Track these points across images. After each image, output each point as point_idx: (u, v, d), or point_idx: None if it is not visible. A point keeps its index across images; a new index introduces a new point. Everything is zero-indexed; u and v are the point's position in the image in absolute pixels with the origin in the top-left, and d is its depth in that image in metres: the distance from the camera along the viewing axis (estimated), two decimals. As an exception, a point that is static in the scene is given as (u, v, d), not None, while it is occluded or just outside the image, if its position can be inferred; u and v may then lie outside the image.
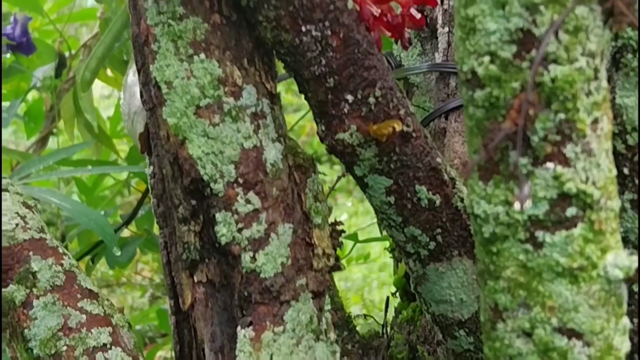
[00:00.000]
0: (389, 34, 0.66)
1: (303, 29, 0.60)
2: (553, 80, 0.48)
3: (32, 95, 1.81)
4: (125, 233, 1.42)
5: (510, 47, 0.49)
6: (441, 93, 1.06)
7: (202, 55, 0.60)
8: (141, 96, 0.65)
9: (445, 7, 1.05)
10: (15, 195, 0.86)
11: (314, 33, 0.60)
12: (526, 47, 0.49)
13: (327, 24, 0.60)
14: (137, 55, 0.64)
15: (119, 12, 1.32)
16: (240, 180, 0.60)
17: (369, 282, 3.00)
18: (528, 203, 0.47)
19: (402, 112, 0.63)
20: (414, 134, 0.64)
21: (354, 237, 1.34)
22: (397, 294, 1.04)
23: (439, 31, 1.09)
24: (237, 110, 0.61)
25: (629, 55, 0.61)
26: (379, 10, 0.63)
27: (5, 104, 1.71)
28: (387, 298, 1.04)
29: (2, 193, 0.85)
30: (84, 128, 1.42)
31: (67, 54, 1.64)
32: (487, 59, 0.50)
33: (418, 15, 0.67)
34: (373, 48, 0.62)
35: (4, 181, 0.87)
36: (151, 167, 0.67)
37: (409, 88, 1.19)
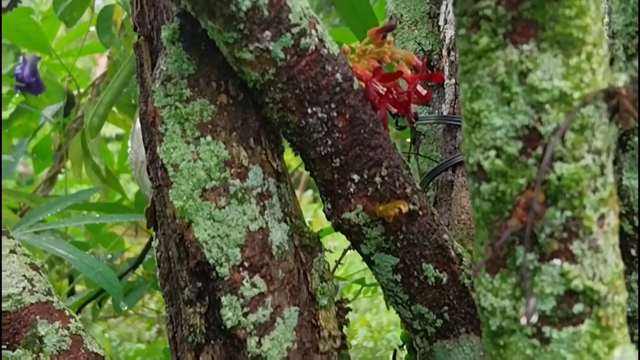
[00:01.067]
0: (395, 110, 0.66)
1: (309, 110, 0.60)
2: (559, 179, 0.48)
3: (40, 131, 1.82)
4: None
5: (516, 144, 0.49)
6: (448, 145, 1.06)
7: (209, 137, 0.61)
8: (148, 172, 0.65)
9: (452, 58, 1.05)
10: (23, 257, 0.86)
11: (319, 115, 0.60)
12: (532, 144, 0.49)
13: (333, 105, 0.60)
14: (145, 132, 0.65)
15: (127, 57, 1.33)
16: (246, 264, 0.60)
17: (376, 304, 2.99)
18: (534, 318, 0.47)
19: (408, 190, 0.63)
20: (420, 212, 0.64)
21: (361, 281, 1.34)
22: (405, 347, 1.04)
23: (445, 82, 1.08)
24: (243, 192, 0.61)
25: (636, 138, 0.60)
26: (385, 89, 0.63)
27: (14, 141, 1.72)
28: (395, 351, 1.04)
29: (10, 255, 0.85)
30: (92, 170, 1.42)
31: (75, 92, 1.65)
32: (492, 153, 0.50)
33: (424, 92, 0.67)
34: (379, 127, 0.62)
35: (11, 242, 0.87)
36: (157, 241, 0.67)
37: (415, 136, 1.19)
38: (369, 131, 0.62)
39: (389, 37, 0.67)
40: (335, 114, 0.60)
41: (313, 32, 0.59)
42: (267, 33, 0.58)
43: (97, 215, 1.26)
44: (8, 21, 1.49)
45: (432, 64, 1.15)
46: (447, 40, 1.04)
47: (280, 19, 0.58)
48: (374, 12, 1.44)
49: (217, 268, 0.60)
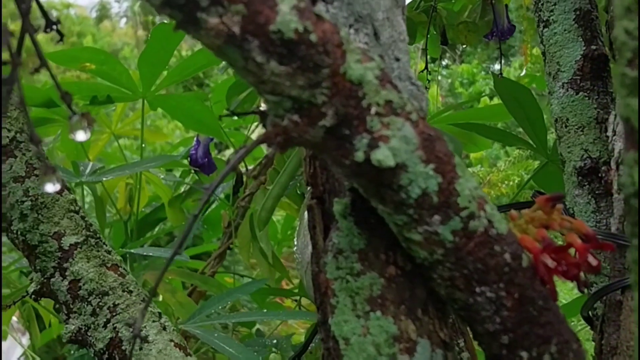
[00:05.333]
0: (564, 279, 0.65)
1: (477, 290, 0.61)
2: None
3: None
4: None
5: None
6: (617, 263, 1.03)
7: (378, 312, 0.63)
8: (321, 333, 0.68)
9: (621, 172, 1.03)
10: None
11: (488, 294, 0.61)
12: None
13: (501, 285, 0.61)
14: (317, 295, 0.68)
15: (293, 151, 1.38)
16: None
17: None
18: None
19: (578, 366, 0.62)
20: (590, 389, 0.63)
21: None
22: None
23: (614, 197, 1.06)
24: (411, 367, 0.62)
25: None
26: (555, 263, 0.63)
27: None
28: None
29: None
30: (259, 253, 1.48)
31: (243, 169, 1.73)
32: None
33: (595, 262, 0.66)
34: (548, 303, 0.62)
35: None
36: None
37: (583, 244, 1.16)
38: (538, 308, 0.62)
39: (558, 205, 0.66)
40: (504, 293, 0.61)
41: (482, 213, 0.60)
42: (436, 217, 0.59)
43: (265, 311, 1.32)
44: (184, 108, 1.58)
45: (600, 175, 1.13)
46: (616, 154, 1.02)
47: (449, 203, 0.59)
48: (537, 103, 1.43)
49: None
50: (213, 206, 1.83)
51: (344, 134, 0.57)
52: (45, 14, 0.53)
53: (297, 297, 1.54)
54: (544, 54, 1.26)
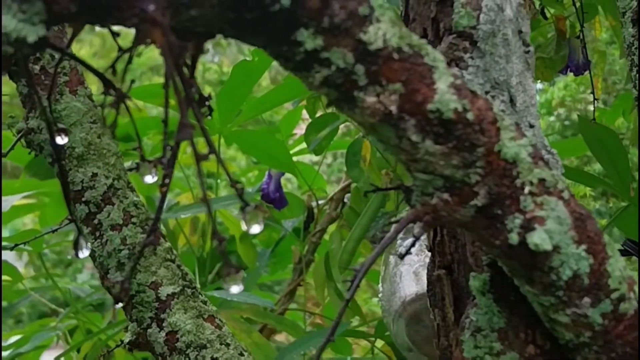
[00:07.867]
0: None
1: (627, 375, 0.59)
2: None
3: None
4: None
5: None
6: None
7: (519, 398, 0.60)
8: None
9: None
10: None
11: (637, 380, 0.58)
12: None
13: (652, 370, 0.58)
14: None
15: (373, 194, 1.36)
16: None
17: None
18: None
19: None
20: None
21: None
22: None
23: None
24: None
25: None
26: None
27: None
28: None
29: None
30: (334, 293, 1.46)
31: (314, 204, 1.71)
32: None
33: None
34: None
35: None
36: None
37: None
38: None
39: None
40: (653, 378, 0.58)
41: (631, 295, 0.58)
42: (586, 300, 0.57)
43: (349, 359, 1.30)
44: (257, 143, 1.57)
45: None
46: None
47: (600, 285, 0.57)
48: (623, 147, 1.40)
49: None
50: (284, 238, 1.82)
51: (495, 214, 0.55)
52: (199, 91, 0.52)
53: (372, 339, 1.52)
54: (637, 98, 1.24)
